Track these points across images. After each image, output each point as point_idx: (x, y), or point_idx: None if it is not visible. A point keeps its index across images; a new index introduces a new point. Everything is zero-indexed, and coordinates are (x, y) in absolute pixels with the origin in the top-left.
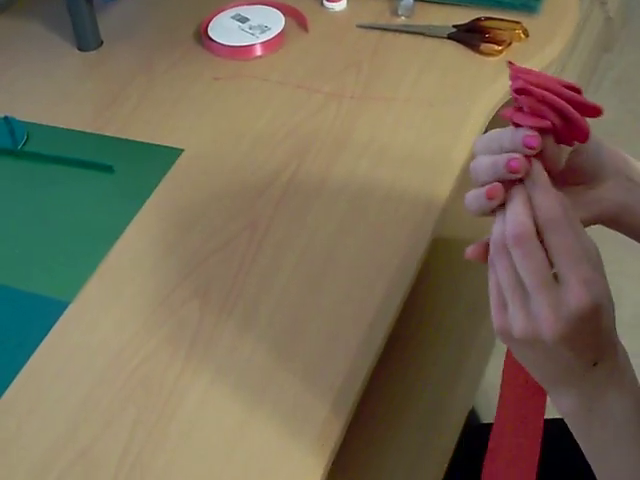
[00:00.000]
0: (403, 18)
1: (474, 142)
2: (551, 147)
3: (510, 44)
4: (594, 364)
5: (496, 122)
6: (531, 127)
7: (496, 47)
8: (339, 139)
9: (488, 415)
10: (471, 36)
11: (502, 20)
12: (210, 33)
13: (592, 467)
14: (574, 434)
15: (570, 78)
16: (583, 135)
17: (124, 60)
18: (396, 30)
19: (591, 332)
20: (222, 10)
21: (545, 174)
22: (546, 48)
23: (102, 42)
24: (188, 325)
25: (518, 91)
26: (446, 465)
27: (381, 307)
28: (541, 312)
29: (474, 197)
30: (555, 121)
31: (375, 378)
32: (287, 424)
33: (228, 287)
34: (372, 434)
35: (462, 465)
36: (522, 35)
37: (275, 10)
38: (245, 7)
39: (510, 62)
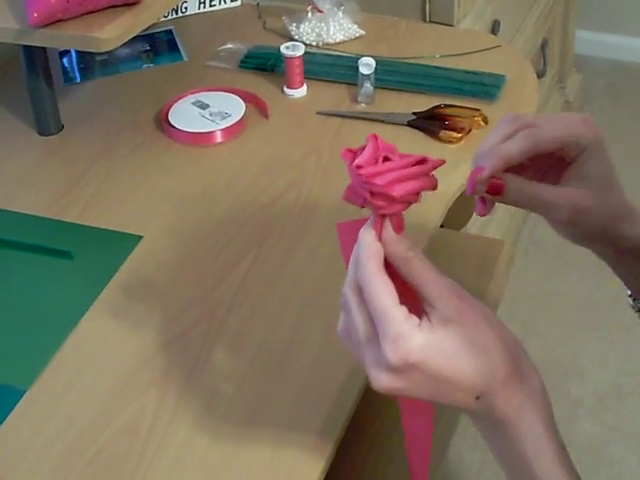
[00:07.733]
0: (363, 105)
1: None
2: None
3: (470, 131)
4: (476, 397)
5: (455, 205)
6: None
7: (455, 134)
8: (299, 226)
9: None
10: (431, 123)
11: (461, 107)
12: (170, 119)
13: None
14: None
15: None
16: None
17: (84, 145)
18: (356, 117)
19: (423, 380)
20: (183, 96)
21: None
22: None
23: (63, 126)
24: (146, 413)
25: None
26: None
27: (339, 401)
28: (367, 367)
29: None
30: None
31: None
32: None
33: (186, 375)
34: None
35: None
36: (481, 122)
37: (235, 97)
38: (205, 93)
39: (373, 135)
